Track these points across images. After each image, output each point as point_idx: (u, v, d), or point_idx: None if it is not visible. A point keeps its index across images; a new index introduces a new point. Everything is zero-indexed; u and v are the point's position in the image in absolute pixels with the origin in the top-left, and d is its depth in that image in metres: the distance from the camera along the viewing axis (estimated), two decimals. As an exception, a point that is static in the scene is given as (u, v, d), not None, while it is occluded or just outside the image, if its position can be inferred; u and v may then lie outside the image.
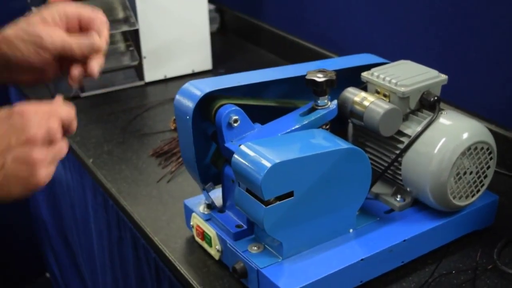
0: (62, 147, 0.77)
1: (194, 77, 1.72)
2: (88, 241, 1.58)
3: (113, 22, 1.67)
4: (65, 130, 0.78)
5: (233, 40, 2.09)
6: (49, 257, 2.11)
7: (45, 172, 0.75)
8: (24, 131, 0.73)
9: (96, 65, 0.90)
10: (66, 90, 1.67)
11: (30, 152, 0.73)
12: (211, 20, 1.96)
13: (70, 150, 1.45)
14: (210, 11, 1.88)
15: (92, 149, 1.41)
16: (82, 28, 0.91)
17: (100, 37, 0.90)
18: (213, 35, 1.88)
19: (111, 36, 1.70)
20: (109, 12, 1.67)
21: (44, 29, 0.88)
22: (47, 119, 0.75)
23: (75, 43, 0.88)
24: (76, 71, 0.90)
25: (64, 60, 0.90)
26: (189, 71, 1.79)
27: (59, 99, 0.80)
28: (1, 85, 0.91)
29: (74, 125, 0.79)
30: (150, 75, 1.74)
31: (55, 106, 0.78)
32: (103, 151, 1.40)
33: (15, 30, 0.88)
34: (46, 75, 0.92)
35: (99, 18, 0.91)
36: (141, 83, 1.74)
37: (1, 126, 0.74)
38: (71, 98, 1.67)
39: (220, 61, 1.85)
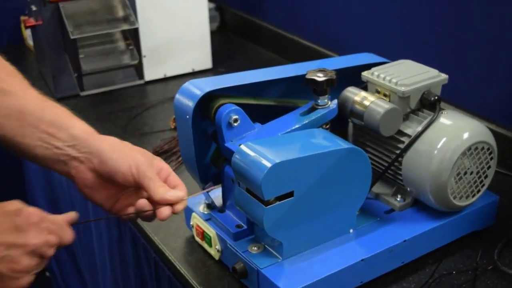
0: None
1: (194, 76, 1.73)
2: (88, 241, 1.58)
3: (113, 20, 1.67)
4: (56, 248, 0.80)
5: (233, 38, 2.09)
6: (48, 256, 2.10)
7: (26, 281, 0.76)
8: (24, 235, 0.75)
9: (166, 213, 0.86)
10: (66, 89, 1.66)
11: (21, 257, 0.75)
12: (211, 19, 1.95)
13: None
14: (210, 10, 1.88)
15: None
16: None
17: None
18: (213, 33, 1.88)
19: (111, 34, 1.70)
20: (108, 10, 1.67)
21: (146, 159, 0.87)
22: (48, 233, 0.77)
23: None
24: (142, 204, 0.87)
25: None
26: (189, 70, 1.79)
27: (68, 217, 0.81)
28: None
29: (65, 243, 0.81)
30: (150, 74, 1.74)
31: (61, 224, 0.79)
32: (103, 150, 1.40)
33: (117, 140, 0.89)
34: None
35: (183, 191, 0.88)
36: (141, 82, 1.74)
37: (5, 221, 0.75)
38: (71, 97, 1.66)
39: (220, 59, 1.85)
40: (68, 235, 0.80)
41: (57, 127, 0.87)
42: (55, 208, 1.84)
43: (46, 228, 0.77)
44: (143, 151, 0.89)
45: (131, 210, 0.87)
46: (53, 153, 0.87)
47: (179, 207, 0.86)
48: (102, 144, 0.87)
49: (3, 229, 0.74)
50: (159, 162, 0.89)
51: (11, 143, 0.87)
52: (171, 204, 0.85)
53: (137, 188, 0.88)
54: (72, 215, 0.82)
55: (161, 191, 0.85)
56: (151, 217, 0.87)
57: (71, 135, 0.87)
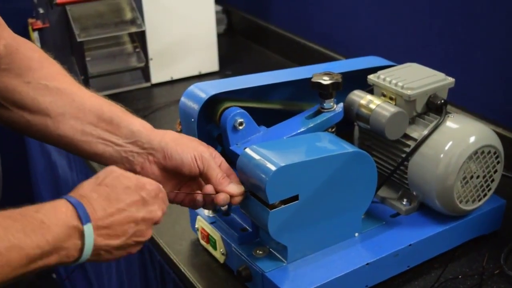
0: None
1: (201, 79, 1.73)
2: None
3: (120, 23, 1.67)
4: None
5: (240, 41, 2.09)
6: (55, 257, 2.11)
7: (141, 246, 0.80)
8: (151, 209, 0.77)
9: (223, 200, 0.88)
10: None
11: (147, 230, 0.78)
12: (218, 22, 1.95)
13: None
14: (217, 13, 1.88)
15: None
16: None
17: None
18: (220, 36, 1.88)
19: (118, 37, 1.70)
20: (115, 13, 1.67)
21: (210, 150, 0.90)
22: (164, 203, 0.80)
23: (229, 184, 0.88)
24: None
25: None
26: (195, 73, 1.79)
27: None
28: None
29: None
30: (156, 76, 1.74)
31: (165, 193, 0.81)
32: (109, 152, 1.40)
33: (184, 137, 0.90)
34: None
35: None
36: (148, 84, 1.74)
37: (133, 195, 0.76)
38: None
39: (227, 62, 1.85)
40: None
41: (117, 124, 0.89)
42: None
43: (162, 199, 0.79)
44: (200, 141, 0.91)
45: (197, 196, 0.89)
46: (114, 150, 0.89)
47: (237, 200, 0.88)
48: (163, 138, 0.88)
49: (134, 204, 0.76)
50: (213, 150, 0.90)
51: (70, 142, 0.88)
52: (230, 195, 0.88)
53: (196, 177, 0.90)
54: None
55: (224, 182, 0.87)
56: (211, 203, 0.89)
57: (131, 132, 0.88)
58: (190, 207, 0.92)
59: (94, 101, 0.90)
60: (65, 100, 0.89)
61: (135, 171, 0.88)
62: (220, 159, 0.90)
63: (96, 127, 0.88)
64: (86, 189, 0.75)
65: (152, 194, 0.78)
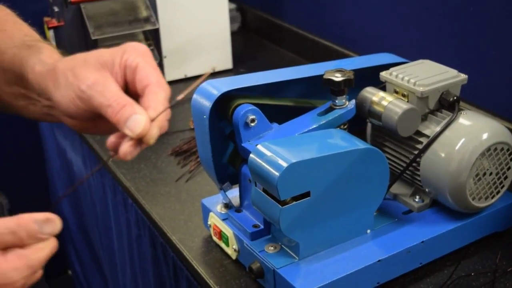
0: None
1: (215, 77, 1.73)
2: (109, 239, 1.59)
3: (134, 21, 1.68)
4: None
5: (254, 39, 2.09)
6: (71, 254, 2.13)
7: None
8: None
9: (128, 150, 0.68)
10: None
11: None
12: (232, 19, 1.96)
13: (91, 149, 1.46)
14: (231, 10, 1.88)
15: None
16: (136, 88, 0.70)
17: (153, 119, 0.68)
18: (233, 34, 1.88)
19: (132, 35, 1.71)
20: (129, 11, 1.68)
21: (93, 76, 0.68)
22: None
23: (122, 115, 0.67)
24: (112, 140, 0.70)
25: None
26: (209, 71, 1.79)
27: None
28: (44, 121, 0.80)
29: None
30: (170, 74, 1.75)
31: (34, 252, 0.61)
32: (123, 150, 1.41)
33: (67, 64, 0.71)
34: (92, 128, 0.75)
35: (164, 92, 0.70)
36: (162, 82, 1.75)
37: None
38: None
39: (240, 60, 1.85)
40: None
41: (21, 80, 0.74)
42: (76, 206, 1.86)
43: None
44: (97, 57, 0.70)
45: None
46: (36, 110, 0.76)
47: (149, 138, 0.67)
48: (47, 82, 0.71)
49: None
50: (124, 54, 0.69)
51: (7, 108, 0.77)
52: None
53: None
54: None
55: (120, 122, 0.66)
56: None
57: (31, 85, 0.74)
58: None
59: (10, 53, 0.75)
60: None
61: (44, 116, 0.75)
62: (133, 64, 0.69)
63: (17, 87, 0.76)
64: None
65: None
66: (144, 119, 0.67)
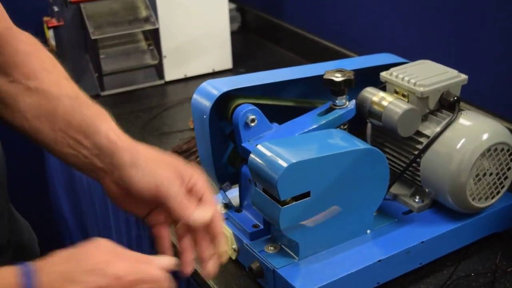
0: None
1: (214, 76, 1.73)
2: (108, 239, 1.58)
3: (134, 21, 1.68)
4: None
5: (253, 39, 2.09)
6: (70, 254, 2.12)
7: None
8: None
9: (212, 267, 0.79)
10: (86, 88, 1.67)
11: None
12: (232, 19, 1.95)
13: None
14: (230, 10, 1.88)
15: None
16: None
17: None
18: (233, 34, 1.88)
19: (131, 35, 1.71)
20: (129, 11, 1.68)
21: (172, 176, 0.78)
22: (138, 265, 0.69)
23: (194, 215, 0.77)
24: (189, 256, 0.81)
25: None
26: (209, 70, 1.79)
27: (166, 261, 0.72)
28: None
29: None
30: (170, 74, 1.75)
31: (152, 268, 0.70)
32: (123, 149, 1.41)
33: (147, 153, 0.80)
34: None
35: (217, 213, 0.79)
36: (161, 82, 1.75)
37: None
38: (91, 96, 1.67)
39: (240, 60, 1.85)
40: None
41: (84, 132, 0.80)
42: (76, 205, 1.86)
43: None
44: (173, 163, 0.79)
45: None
46: (81, 161, 0.81)
47: (223, 258, 0.79)
48: (123, 157, 0.78)
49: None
50: (192, 177, 0.79)
51: (47, 148, 0.82)
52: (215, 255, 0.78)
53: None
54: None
55: (187, 212, 0.76)
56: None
57: (95, 144, 0.79)
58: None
59: (68, 104, 0.82)
60: (41, 102, 0.82)
61: (100, 184, 0.81)
62: (201, 189, 0.79)
63: (66, 135, 0.81)
64: (51, 261, 0.66)
65: (127, 286, 0.66)
66: (210, 210, 0.78)
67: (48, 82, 0.84)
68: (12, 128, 0.84)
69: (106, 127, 0.81)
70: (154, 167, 0.78)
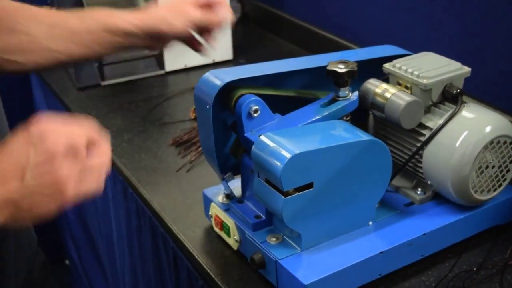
0: (96, 162, 0.70)
1: (215, 67, 1.72)
2: (108, 229, 1.59)
3: (135, 11, 1.67)
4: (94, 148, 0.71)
5: (254, 30, 2.08)
6: (68, 244, 2.12)
7: (72, 188, 0.67)
8: (43, 142, 0.66)
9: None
10: (87, 78, 1.67)
11: (52, 167, 0.66)
12: (232, 10, 1.94)
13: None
14: (231, 1, 1.87)
15: (112, 137, 1.41)
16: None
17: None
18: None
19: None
20: (130, 1, 1.67)
21: (187, 6, 1.07)
22: (67, 131, 0.68)
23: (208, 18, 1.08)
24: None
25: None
26: (209, 61, 1.78)
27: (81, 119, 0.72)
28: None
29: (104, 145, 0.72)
30: (170, 64, 1.74)
31: (75, 125, 0.70)
32: (123, 139, 1.41)
33: (166, 10, 1.08)
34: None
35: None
36: (162, 72, 1.74)
37: (19, 145, 0.67)
38: (92, 86, 1.67)
39: (241, 51, 1.85)
40: (87, 127, 0.71)
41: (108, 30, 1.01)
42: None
43: (63, 130, 0.69)
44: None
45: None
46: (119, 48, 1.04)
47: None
48: (155, 22, 1.06)
49: (19, 149, 0.67)
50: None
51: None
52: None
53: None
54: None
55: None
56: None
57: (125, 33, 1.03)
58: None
59: (75, 21, 1.02)
60: (55, 28, 1.01)
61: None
62: None
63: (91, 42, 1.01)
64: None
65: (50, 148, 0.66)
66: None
67: (46, 15, 1.02)
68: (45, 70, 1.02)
69: (121, 20, 1.02)
70: (180, 10, 1.09)
